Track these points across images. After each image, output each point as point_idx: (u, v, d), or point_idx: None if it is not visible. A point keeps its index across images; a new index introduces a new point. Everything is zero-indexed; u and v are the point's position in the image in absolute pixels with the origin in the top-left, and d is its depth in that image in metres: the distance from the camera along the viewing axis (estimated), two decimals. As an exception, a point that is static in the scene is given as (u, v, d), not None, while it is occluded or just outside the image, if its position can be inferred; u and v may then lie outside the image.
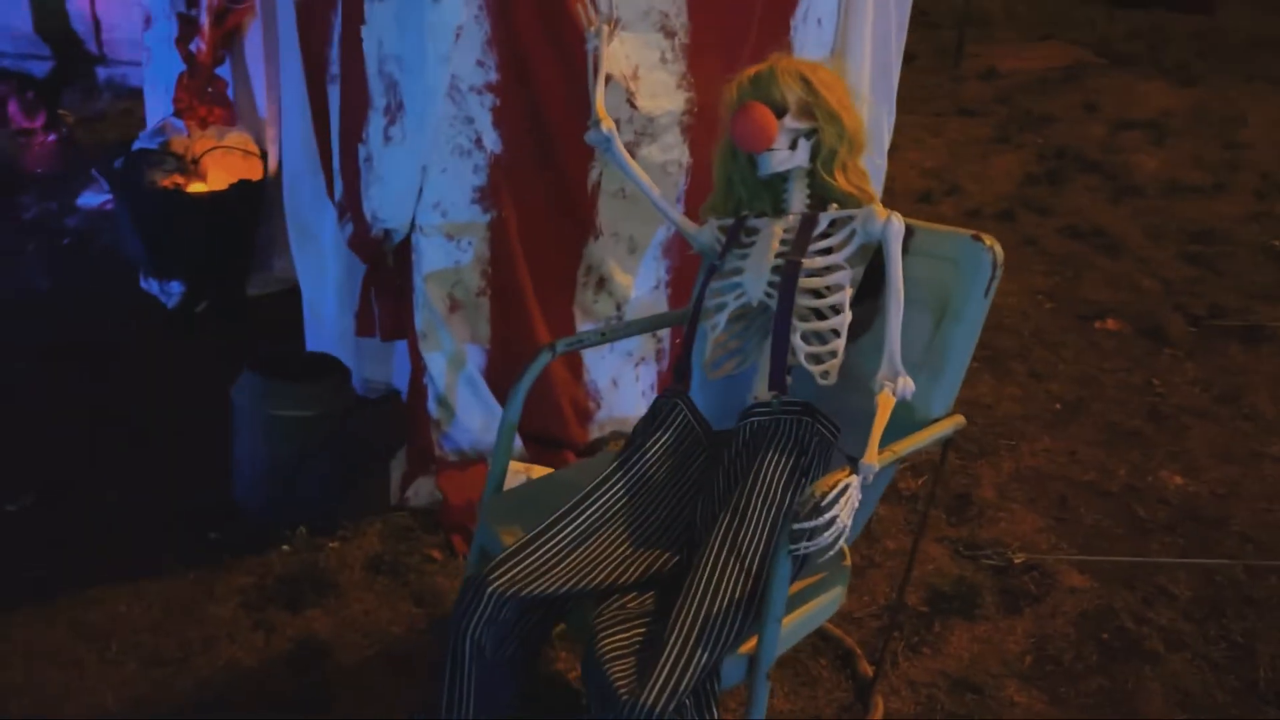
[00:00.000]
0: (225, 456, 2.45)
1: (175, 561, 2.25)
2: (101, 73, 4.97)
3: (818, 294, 1.73)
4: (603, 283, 2.57)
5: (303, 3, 2.58)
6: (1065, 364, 3.31)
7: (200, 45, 3.21)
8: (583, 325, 2.59)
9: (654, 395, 2.77)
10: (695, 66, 2.44)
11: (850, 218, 1.74)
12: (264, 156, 3.32)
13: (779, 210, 1.86)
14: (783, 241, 1.80)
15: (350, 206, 2.36)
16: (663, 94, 2.41)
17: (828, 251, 1.74)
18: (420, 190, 2.25)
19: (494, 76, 2.19)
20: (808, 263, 1.74)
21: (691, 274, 2.66)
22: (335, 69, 2.51)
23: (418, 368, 2.46)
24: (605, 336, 1.94)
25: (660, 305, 2.68)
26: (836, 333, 1.71)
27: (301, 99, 2.69)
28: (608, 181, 2.45)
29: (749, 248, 1.83)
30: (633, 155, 2.43)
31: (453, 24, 2.08)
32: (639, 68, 2.36)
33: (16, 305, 3.19)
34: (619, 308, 2.61)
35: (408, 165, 2.21)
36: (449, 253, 2.32)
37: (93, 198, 3.87)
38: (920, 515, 2.37)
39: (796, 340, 1.72)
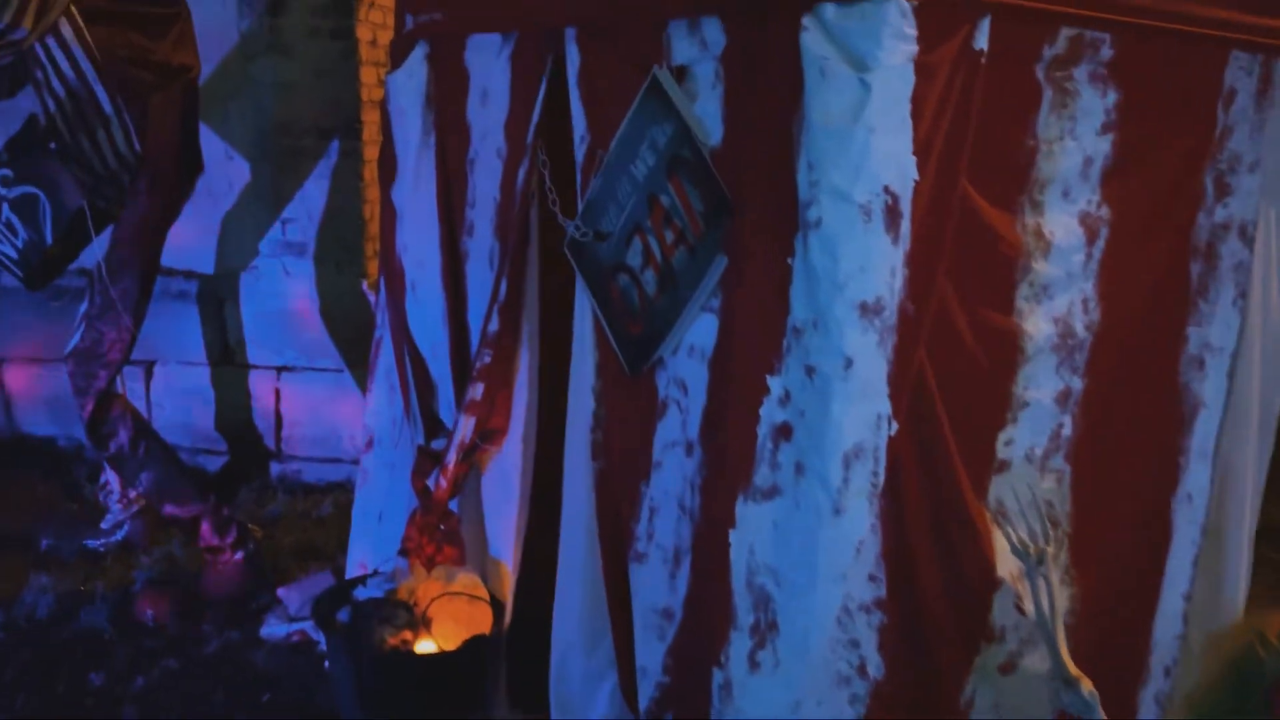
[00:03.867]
0: None
1: None
2: (275, 468, 4.82)
3: None
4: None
5: (603, 469, 2.34)
6: None
7: (441, 482, 2.95)
8: None
9: None
10: (1078, 559, 2.08)
11: None
12: (493, 603, 2.97)
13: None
14: None
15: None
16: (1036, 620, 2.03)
17: None
18: (788, 726, 1.84)
19: (882, 592, 1.84)
20: None
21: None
22: (642, 546, 2.21)
23: None
24: None
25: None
26: None
27: (588, 570, 2.38)
28: (982, 697, 2.02)
29: None
30: (1014, 667, 2.03)
31: (855, 539, 1.75)
32: (1024, 568, 2.00)
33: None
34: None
35: (779, 698, 1.81)
36: (813, 801, 1.88)
37: (278, 627, 3.51)
38: None
39: None
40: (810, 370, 1.75)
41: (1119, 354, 2.07)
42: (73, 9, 3.19)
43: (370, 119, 4.63)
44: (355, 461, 4.81)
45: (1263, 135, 2.17)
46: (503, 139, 2.64)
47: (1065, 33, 1.84)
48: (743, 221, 1.87)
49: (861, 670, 1.85)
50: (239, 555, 3.72)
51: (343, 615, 2.89)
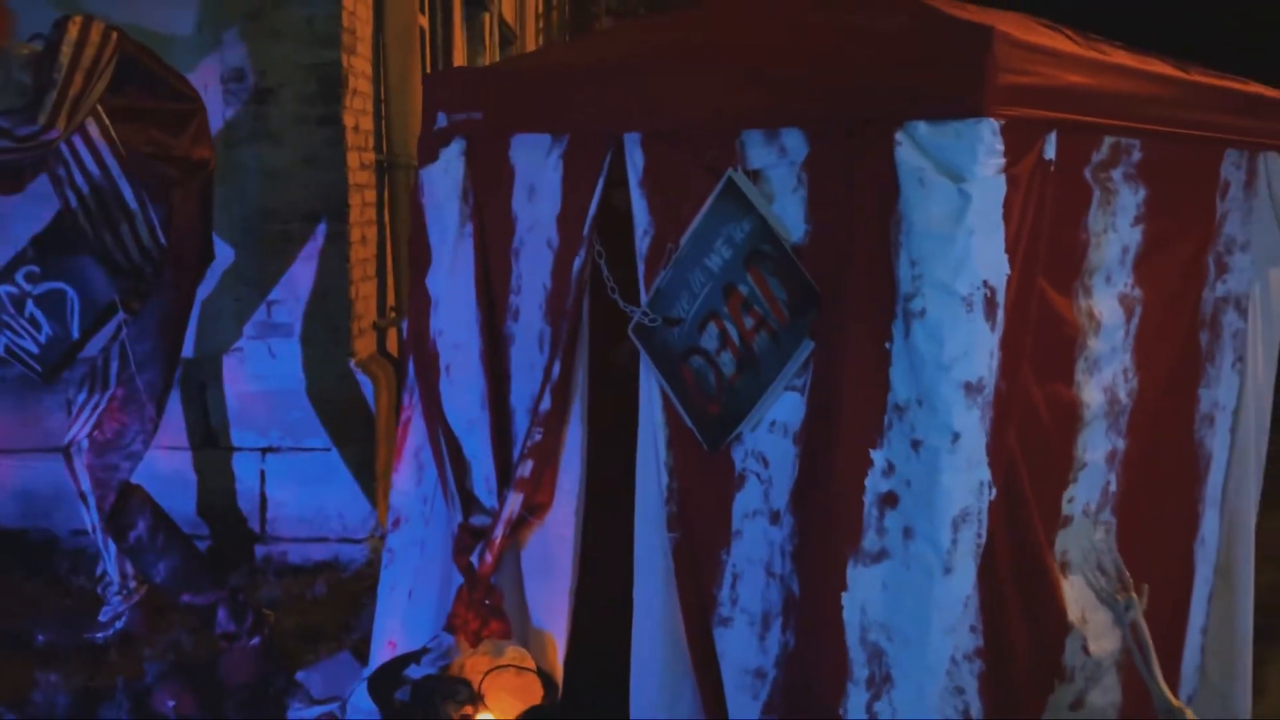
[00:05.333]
0: None
1: None
2: (259, 550, 4.79)
3: None
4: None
5: (680, 540, 2.48)
6: None
7: (486, 557, 3.05)
8: None
9: None
10: (1126, 601, 2.33)
11: None
12: (540, 673, 3.06)
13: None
14: None
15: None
16: (1105, 634, 2.26)
17: None
18: (906, 774, 2.01)
19: (980, 641, 2.04)
20: None
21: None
22: (726, 611, 2.37)
23: None
24: None
25: None
26: None
27: (666, 635, 2.52)
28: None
29: None
30: (1082, 704, 2.25)
31: (963, 595, 1.95)
32: (1085, 610, 2.23)
33: None
34: None
35: (897, 745, 1.99)
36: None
37: (303, 711, 3.52)
38: None
39: None
40: (916, 444, 1.95)
41: (1150, 416, 2.34)
42: (98, 107, 3.25)
43: (354, 202, 4.74)
44: (343, 540, 4.87)
45: (1250, 220, 2.50)
46: (554, 231, 2.79)
47: (1108, 140, 2.12)
48: (836, 311, 2.07)
49: (966, 715, 2.03)
50: (255, 641, 3.72)
51: (401, 694, 2.95)
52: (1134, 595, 1.92)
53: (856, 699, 2.01)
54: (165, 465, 4.80)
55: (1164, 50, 2.58)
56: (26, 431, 4.75)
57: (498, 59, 8.25)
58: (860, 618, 2.02)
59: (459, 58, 6.86)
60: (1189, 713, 1.82)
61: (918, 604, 1.96)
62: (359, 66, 4.79)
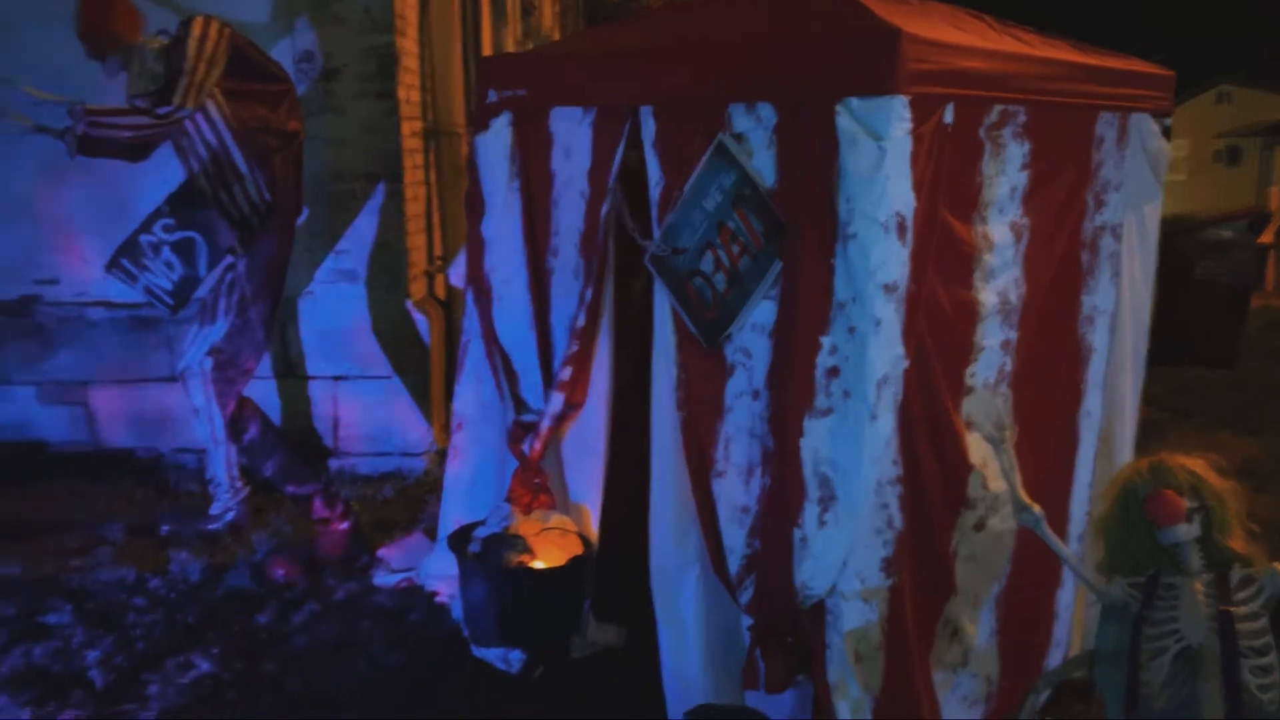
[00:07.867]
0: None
1: None
2: (334, 464, 5.60)
3: (1251, 635, 2.26)
4: (955, 634, 3.05)
5: (686, 417, 3.25)
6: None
7: (535, 445, 3.84)
8: (937, 675, 3.04)
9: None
10: (1020, 457, 3.08)
11: (1255, 577, 2.32)
12: (579, 535, 3.86)
13: (1178, 570, 2.41)
14: (1205, 594, 2.34)
15: (772, 584, 2.89)
16: (1002, 477, 3.03)
17: (1248, 601, 2.30)
18: (845, 563, 2.79)
19: (900, 471, 2.81)
20: (1238, 610, 2.28)
21: (1019, 625, 3.18)
22: (721, 466, 3.14)
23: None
24: None
25: (993, 653, 3.15)
26: (1272, 667, 2.25)
27: (677, 489, 3.29)
28: (963, 548, 3.01)
29: (1175, 601, 2.37)
30: (983, 527, 3.03)
31: (885, 436, 2.72)
32: (985, 457, 2.99)
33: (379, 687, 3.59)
34: (965, 655, 3.08)
35: (840, 544, 2.77)
36: (862, 612, 2.82)
37: (388, 577, 4.34)
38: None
39: (1245, 675, 2.23)
40: (851, 329, 2.71)
41: (1039, 315, 3.09)
42: (215, 89, 4.03)
43: (407, 165, 5.51)
44: (404, 454, 5.67)
45: (1122, 166, 3.24)
46: (586, 184, 3.56)
47: (997, 108, 2.86)
48: (796, 237, 2.84)
49: (890, 523, 2.82)
50: (345, 525, 4.54)
51: (473, 547, 3.77)
52: (1007, 433, 2.68)
53: (811, 512, 2.80)
54: (253, 392, 5.59)
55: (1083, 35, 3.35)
56: (133, 365, 5.58)
57: (519, 29, 8.96)
58: (814, 456, 2.79)
59: (486, 28, 7.57)
60: (1036, 507, 2.58)
61: (853, 443, 2.73)
62: (408, 46, 5.53)
